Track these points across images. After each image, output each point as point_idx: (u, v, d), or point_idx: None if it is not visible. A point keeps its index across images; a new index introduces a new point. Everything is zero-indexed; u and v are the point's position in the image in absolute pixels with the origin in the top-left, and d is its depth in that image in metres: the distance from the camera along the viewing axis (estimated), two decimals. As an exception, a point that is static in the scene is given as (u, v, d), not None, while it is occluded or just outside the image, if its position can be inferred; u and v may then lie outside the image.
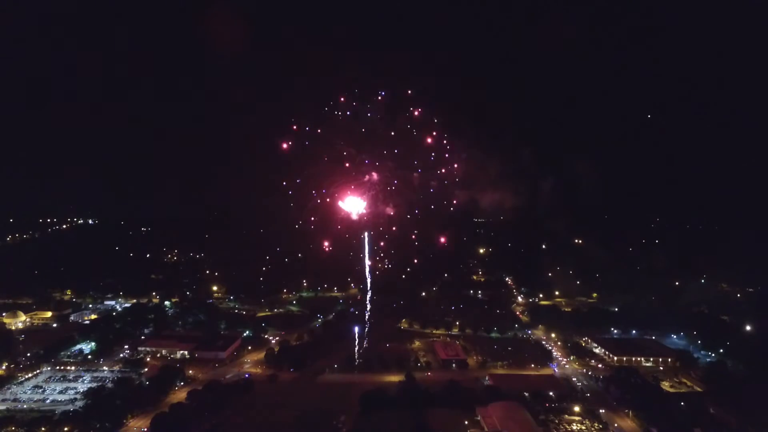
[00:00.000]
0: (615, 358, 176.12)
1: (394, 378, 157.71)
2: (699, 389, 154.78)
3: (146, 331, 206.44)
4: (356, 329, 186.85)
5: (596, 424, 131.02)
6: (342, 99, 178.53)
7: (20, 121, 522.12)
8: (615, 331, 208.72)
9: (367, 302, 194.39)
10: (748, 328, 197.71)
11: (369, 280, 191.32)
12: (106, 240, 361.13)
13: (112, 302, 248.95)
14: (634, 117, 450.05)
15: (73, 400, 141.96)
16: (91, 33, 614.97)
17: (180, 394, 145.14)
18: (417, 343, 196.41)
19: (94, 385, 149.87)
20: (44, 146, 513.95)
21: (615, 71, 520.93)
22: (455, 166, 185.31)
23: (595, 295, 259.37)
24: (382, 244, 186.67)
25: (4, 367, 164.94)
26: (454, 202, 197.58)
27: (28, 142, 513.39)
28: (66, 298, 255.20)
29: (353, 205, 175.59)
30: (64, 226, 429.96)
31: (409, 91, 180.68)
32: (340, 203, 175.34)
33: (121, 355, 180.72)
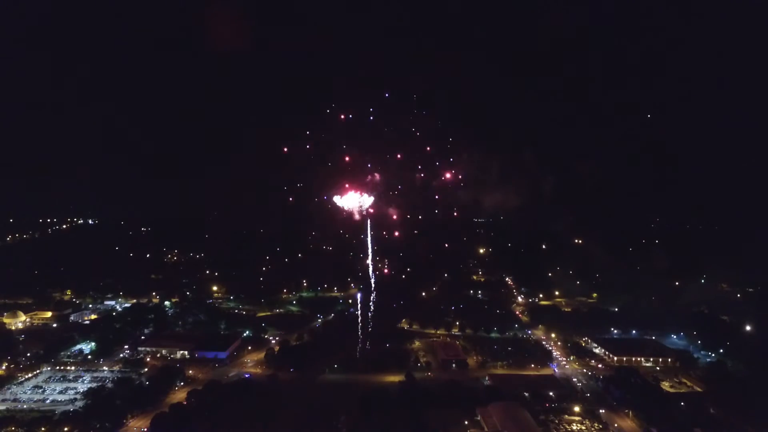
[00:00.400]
0: (615, 358, 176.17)
1: (394, 378, 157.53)
2: (699, 389, 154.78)
3: (146, 331, 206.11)
4: (357, 329, 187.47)
5: (596, 425, 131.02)
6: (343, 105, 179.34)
7: (20, 120, 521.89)
8: (615, 331, 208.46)
9: (371, 302, 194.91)
10: (748, 328, 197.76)
11: (372, 280, 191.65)
12: (106, 240, 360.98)
13: (112, 302, 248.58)
14: (633, 117, 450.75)
15: (73, 400, 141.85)
16: (92, 32, 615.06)
17: (180, 394, 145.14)
18: (417, 343, 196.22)
19: (94, 385, 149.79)
20: (44, 146, 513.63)
21: (616, 70, 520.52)
22: (453, 171, 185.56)
23: (595, 295, 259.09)
24: (382, 244, 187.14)
25: (4, 367, 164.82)
26: (455, 208, 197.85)
27: (29, 142, 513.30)
28: (66, 298, 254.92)
29: (353, 201, 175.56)
30: (64, 226, 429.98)
31: (413, 94, 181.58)
32: (338, 199, 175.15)
33: (121, 355, 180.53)
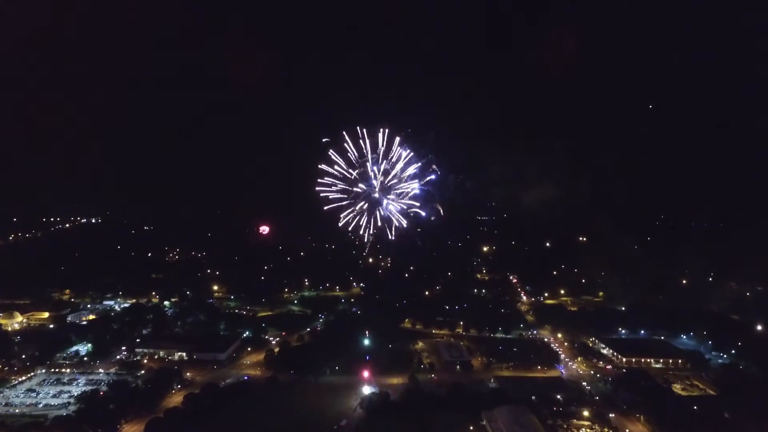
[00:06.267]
0: (624, 360, 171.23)
1: (397, 380, 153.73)
2: (712, 392, 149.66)
3: (144, 331, 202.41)
4: (358, 330, 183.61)
5: (606, 429, 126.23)
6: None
7: (21, 120, 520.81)
8: (623, 331, 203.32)
9: (373, 302, 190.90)
10: (759, 328, 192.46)
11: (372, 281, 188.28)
12: (107, 239, 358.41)
13: (111, 302, 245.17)
14: (639, 117, 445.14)
15: (66, 405, 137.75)
16: (95, 31, 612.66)
17: (176, 398, 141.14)
18: (420, 344, 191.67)
19: (88, 388, 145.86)
20: (46, 145, 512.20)
21: (627, 68, 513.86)
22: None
23: (601, 294, 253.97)
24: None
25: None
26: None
27: (30, 141, 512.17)
28: (65, 298, 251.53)
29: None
30: (66, 225, 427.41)
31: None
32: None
33: (118, 357, 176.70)
